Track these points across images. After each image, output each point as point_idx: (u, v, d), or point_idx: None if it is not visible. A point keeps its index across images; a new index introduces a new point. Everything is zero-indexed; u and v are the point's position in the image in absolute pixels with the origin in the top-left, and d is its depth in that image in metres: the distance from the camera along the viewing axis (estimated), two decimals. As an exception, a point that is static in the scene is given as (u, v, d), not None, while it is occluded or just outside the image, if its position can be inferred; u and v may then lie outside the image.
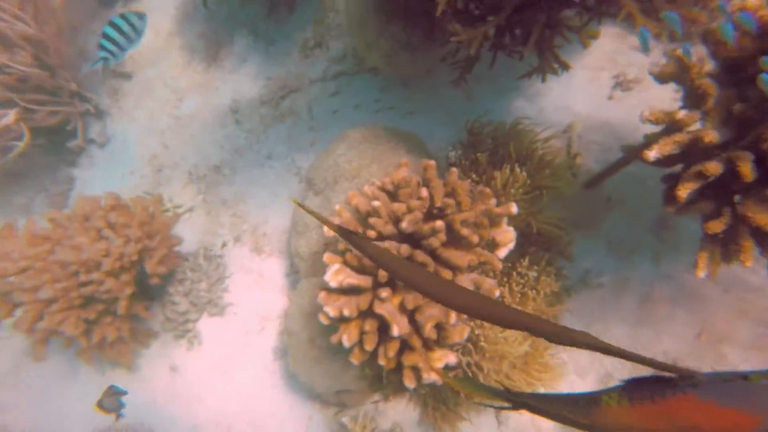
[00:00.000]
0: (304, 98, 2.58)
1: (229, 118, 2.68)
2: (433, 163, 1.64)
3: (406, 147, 2.06)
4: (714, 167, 1.09)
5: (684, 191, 1.14)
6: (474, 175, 1.92)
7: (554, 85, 2.35)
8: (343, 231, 1.02)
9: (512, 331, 1.70)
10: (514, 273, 1.79)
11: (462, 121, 2.08)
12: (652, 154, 1.16)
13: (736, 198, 1.17)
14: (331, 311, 1.50)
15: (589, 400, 0.75)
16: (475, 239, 1.51)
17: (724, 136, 1.12)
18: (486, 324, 1.70)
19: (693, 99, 1.14)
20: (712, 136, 1.08)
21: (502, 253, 1.66)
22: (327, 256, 1.57)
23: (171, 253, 2.17)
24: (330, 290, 1.52)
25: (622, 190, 1.96)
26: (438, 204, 1.56)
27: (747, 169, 1.03)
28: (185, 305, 2.19)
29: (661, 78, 1.22)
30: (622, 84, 2.18)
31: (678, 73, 1.19)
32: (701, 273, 1.21)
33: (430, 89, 2.38)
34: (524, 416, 1.89)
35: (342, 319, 1.54)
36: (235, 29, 2.78)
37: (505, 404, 0.87)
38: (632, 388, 0.74)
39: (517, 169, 1.80)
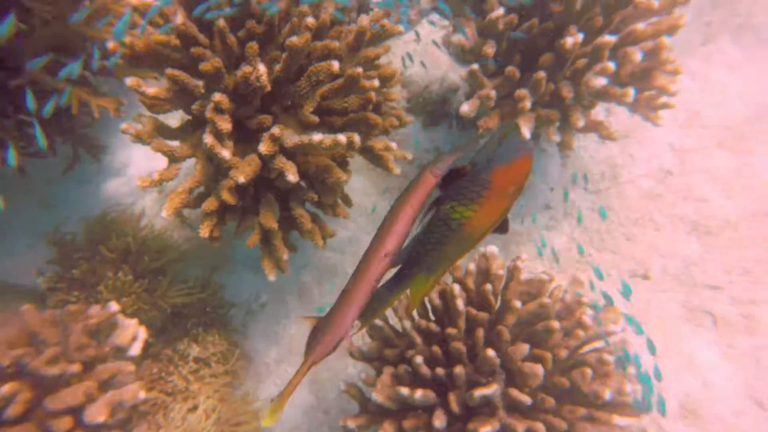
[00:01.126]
0: None
1: None
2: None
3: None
4: (209, 203, 1.22)
5: (206, 230, 1.25)
6: (76, 293, 1.72)
7: (134, 153, 2.30)
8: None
9: (197, 412, 1.64)
10: (177, 358, 1.72)
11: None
12: (164, 214, 1.22)
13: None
14: None
15: (455, 228, 0.75)
16: (75, 368, 1.35)
17: (213, 173, 1.27)
18: (162, 419, 1.59)
19: (171, 158, 1.23)
20: (192, 181, 1.21)
21: (135, 349, 1.56)
22: None
23: None
24: None
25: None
26: (6, 362, 1.32)
27: (228, 197, 1.19)
28: None
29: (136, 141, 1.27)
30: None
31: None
32: (271, 277, 1.37)
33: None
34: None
35: None
36: None
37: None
38: (460, 195, 0.75)
39: (120, 273, 1.70)
